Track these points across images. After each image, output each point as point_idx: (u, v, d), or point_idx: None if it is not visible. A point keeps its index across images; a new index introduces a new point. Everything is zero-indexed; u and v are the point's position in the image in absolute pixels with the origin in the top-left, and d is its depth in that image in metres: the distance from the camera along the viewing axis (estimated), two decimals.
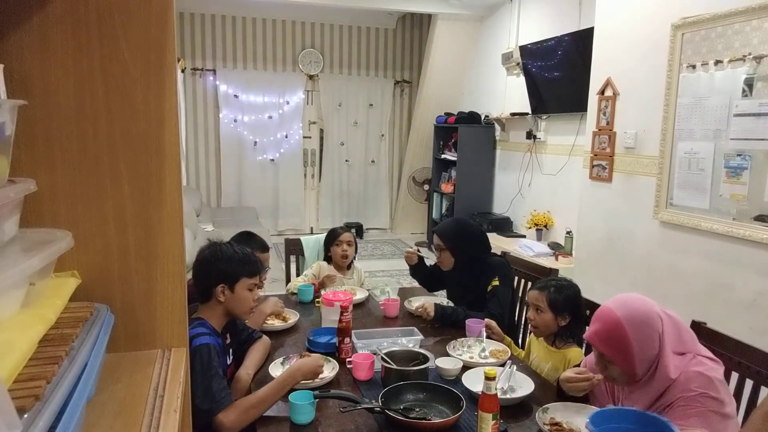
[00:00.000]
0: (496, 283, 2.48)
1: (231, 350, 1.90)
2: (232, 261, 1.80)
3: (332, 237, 2.93)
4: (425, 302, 2.44)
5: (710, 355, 1.53)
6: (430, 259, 2.91)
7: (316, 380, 1.80)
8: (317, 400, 1.60)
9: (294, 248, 3.28)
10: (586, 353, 2.07)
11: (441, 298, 2.70)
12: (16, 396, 0.43)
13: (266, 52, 7.10)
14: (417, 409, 1.60)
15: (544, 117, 5.22)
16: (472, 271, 2.58)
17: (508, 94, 5.85)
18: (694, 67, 2.93)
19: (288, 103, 7.18)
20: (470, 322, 2.25)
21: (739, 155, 2.68)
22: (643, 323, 1.50)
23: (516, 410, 1.68)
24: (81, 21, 0.71)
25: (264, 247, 2.53)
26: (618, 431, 1.38)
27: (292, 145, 7.30)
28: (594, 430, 1.32)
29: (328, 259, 2.96)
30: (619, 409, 1.53)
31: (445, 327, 2.35)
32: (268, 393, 1.61)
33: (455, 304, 2.57)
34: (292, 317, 2.40)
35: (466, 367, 1.91)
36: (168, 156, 0.77)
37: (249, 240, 2.48)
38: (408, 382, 1.71)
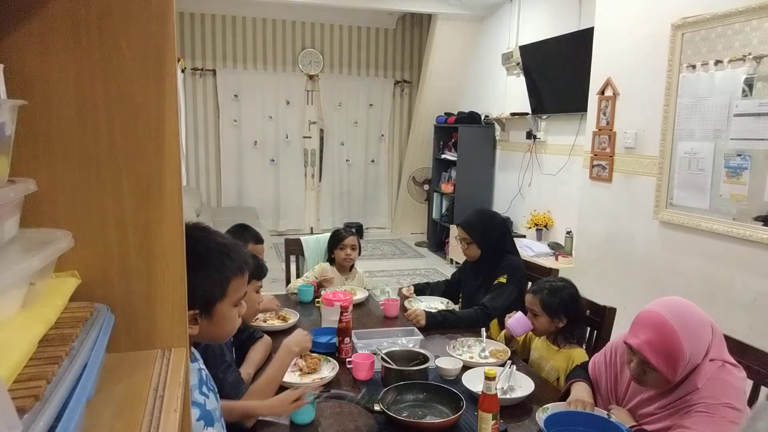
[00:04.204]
0: (502, 280, 2.48)
1: (233, 349, 1.91)
2: None
3: (336, 240, 2.90)
4: (416, 309, 2.38)
5: (734, 361, 1.49)
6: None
7: (317, 380, 1.81)
8: (317, 400, 1.60)
9: (294, 248, 3.28)
10: (589, 352, 2.07)
11: (437, 301, 2.69)
12: (16, 396, 0.43)
13: (266, 52, 7.10)
14: (417, 410, 1.60)
15: (544, 117, 5.22)
16: (489, 264, 2.58)
17: (508, 94, 5.86)
18: (694, 67, 2.93)
19: (288, 103, 7.18)
20: (513, 322, 2.12)
21: (739, 155, 2.68)
22: (698, 336, 1.43)
23: (516, 410, 1.68)
24: (81, 21, 0.71)
25: (258, 239, 2.55)
26: None
27: (292, 145, 7.31)
28: None
29: (331, 260, 2.96)
30: (573, 411, 1.54)
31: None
32: (276, 371, 1.68)
33: (471, 298, 2.56)
34: (292, 317, 2.40)
35: (466, 367, 1.91)
36: (168, 156, 0.77)
37: (243, 232, 2.51)
38: (408, 382, 1.71)
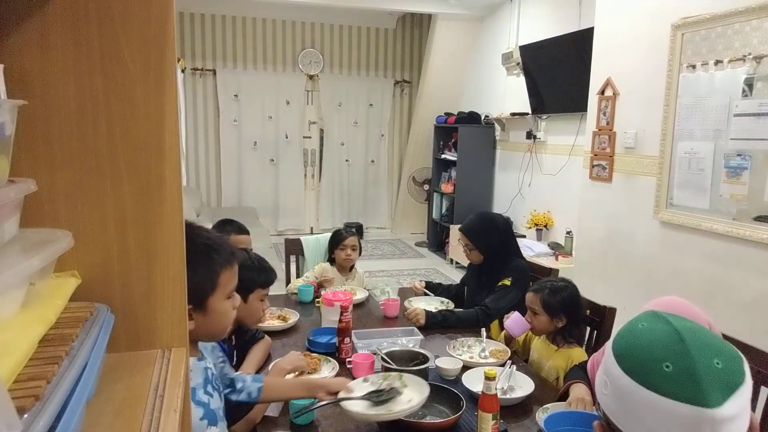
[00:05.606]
0: (507, 282, 2.47)
1: (235, 351, 1.91)
2: (250, 270, 1.80)
3: (337, 240, 2.89)
4: (416, 308, 2.39)
5: None
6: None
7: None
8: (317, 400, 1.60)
9: (294, 248, 3.28)
10: (589, 352, 2.07)
11: (437, 300, 2.69)
12: (16, 396, 0.43)
13: (266, 52, 7.10)
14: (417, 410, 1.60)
15: (544, 117, 5.22)
16: (493, 267, 2.57)
17: (508, 94, 5.86)
18: (694, 67, 2.93)
19: (288, 103, 7.18)
20: (510, 323, 2.12)
21: (739, 155, 2.68)
22: None
23: (516, 410, 1.68)
24: (81, 21, 0.71)
25: (242, 230, 2.53)
26: None
27: (292, 145, 7.31)
28: None
29: (331, 260, 2.95)
30: (573, 411, 1.54)
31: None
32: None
33: (474, 299, 2.56)
34: (292, 317, 2.40)
35: (466, 367, 1.91)
36: (168, 156, 0.76)
37: (226, 225, 2.50)
38: None
